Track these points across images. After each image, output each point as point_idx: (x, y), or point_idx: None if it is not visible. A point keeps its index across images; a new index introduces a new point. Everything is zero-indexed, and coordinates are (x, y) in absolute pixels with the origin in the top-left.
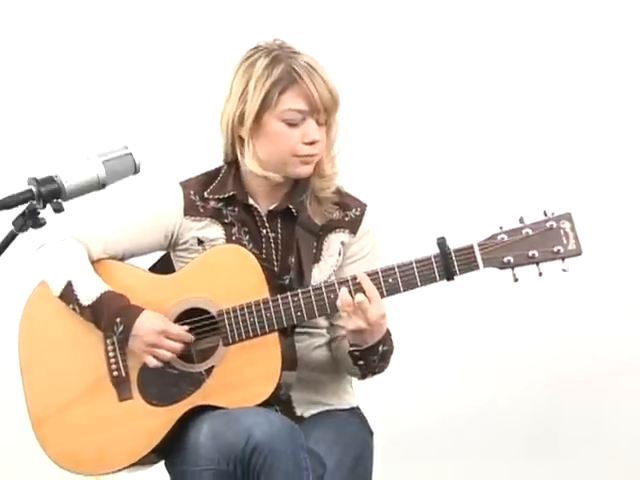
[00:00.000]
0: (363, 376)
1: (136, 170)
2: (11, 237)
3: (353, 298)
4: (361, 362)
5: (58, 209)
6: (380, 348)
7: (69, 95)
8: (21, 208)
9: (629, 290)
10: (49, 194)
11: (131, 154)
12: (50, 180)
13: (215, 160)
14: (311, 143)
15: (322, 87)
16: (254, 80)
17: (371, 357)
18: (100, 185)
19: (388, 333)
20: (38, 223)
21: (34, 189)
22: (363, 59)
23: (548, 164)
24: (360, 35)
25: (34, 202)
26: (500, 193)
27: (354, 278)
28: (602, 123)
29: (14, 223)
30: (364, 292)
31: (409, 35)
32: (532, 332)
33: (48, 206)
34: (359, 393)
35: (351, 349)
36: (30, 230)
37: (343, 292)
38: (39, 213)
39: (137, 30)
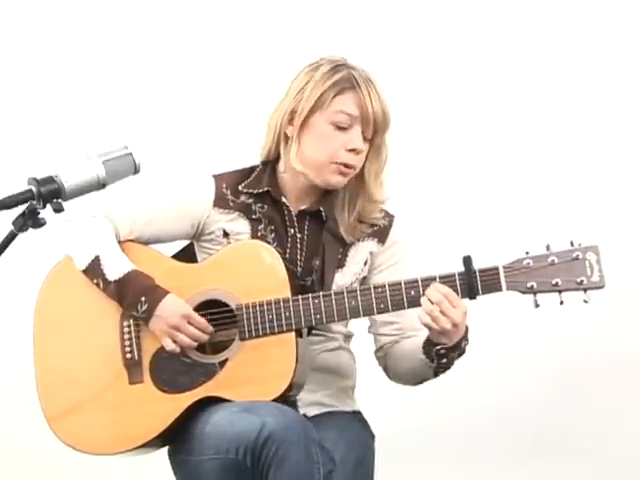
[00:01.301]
0: (436, 375)
1: (136, 170)
2: (11, 237)
3: (432, 302)
4: (444, 360)
5: (58, 209)
6: (462, 343)
7: (69, 95)
8: (21, 208)
9: (624, 286)
10: (49, 194)
11: (131, 154)
12: (50, 180)
13: (215, 160)
14: (353, 150)
15: (377, 101)
16: (314, 81)
17: (453, 354)
18: (100, 185)
19: (467, 329)
20: (38, 223)
21: (34, 189)
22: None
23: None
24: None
25: (34, 202)
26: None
27: (423, 280)
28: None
29: (14, 223)
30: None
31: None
32: (535, 335)
33: (48, 206)
34: (361, 397)
35: (438, 347)
36: (30, 230)
37: (424, 301)
38: (39, 213)
39: (137, 30)
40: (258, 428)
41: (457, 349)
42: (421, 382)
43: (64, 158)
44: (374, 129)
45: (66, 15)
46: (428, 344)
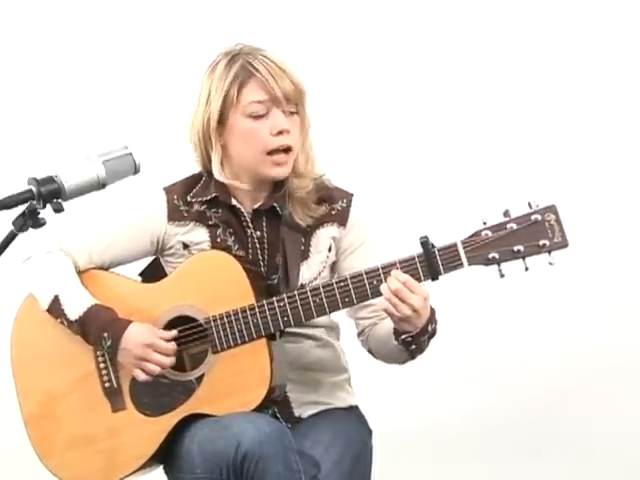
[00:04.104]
0: (412, 357)
1: (136, 170)
2: (11, 237)
3: (391, 290)
4: (413, 346)
5: (58, 209)
6: (429, 327)
7: (69, 95)
8: (21, 208)
9: (622, 289)
10: (49, 194)
11: (131, 154)
12: (50, 180)
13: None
14: (280, 133)
15: (280, 77)
16: (215, 83)
17: (422, 338)
18: (100, 185)
19: (432, 311)
20: (38, 223)
21: (34, 189)
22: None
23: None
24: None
25: (34, 202)
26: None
27: (367, 272)
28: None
29: (14, 223)
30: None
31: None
32: (529, 334)
33: (48, 206)
34: (358, 392)
35: (403, 337)
36: (30, 230)
37: (384, 289)
38: (39, 213)
39: (137, 30)
40: (235, 446)
41: (424, 334)
42: (404, 362)
43: (64, 158)
44: (291, 103)
45: (66, 15)
46: (396, 332)
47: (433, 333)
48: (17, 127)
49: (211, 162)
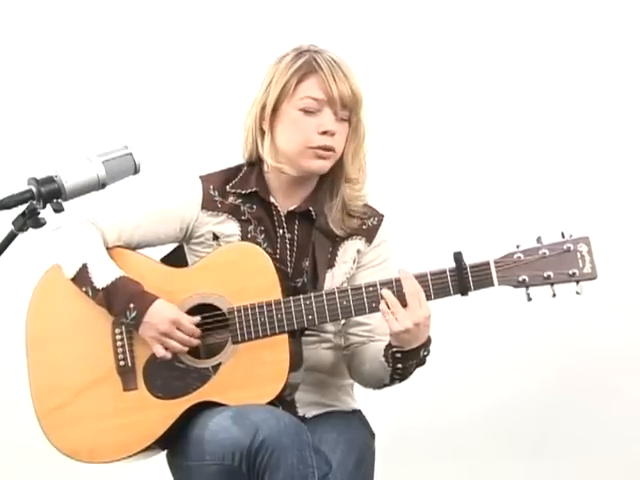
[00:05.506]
0: (391, 381)
1: (136, 170)
2: (11, 237)
3: (398, 299)
4: (399, 365)
5: (58, 209)
6: (421, 353)
7: (69, 95)
8: (21, 208)
9: (622, 289)
10: (49, 194)
11: (131, 154)
12: (50, 180)
13: (215, 159)
14: (325, 133)
15: (342, 81)
16: (278, 73)
17: (411, 361)
18: (100, 185)
19: (429, 339)
20: (38, 223)
21: (34, 189)
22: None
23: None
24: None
25: (34, 202)
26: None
27: (397, 280)
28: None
29: (14, 223)
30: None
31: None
32: (534, 336)
33: (48, 206)
34: (361, 396)
35: (394, 350)
36: (30, 230)
37: (387, 293)
38: (39, 213)
39: (137, 30)
40: (252, 434)
41: (415, 357)
42: (381, 387)
43: (64, 158)
44: (347, 109)
45: (66, 15)
46: (388, 347)
47: (422, 362)
48: (17, 127)
49: (258, 150)
